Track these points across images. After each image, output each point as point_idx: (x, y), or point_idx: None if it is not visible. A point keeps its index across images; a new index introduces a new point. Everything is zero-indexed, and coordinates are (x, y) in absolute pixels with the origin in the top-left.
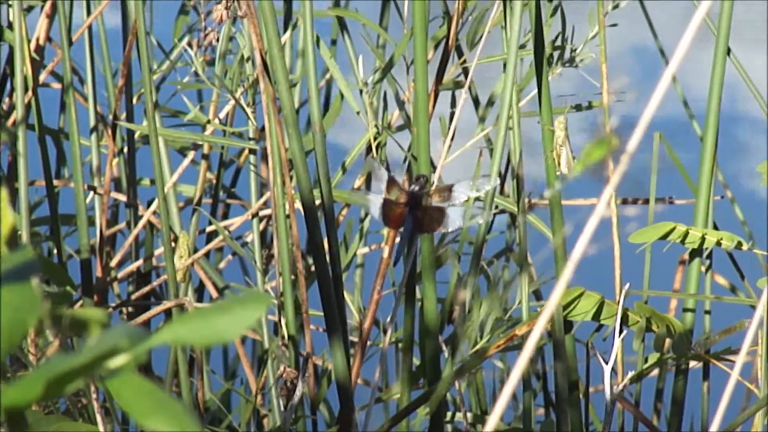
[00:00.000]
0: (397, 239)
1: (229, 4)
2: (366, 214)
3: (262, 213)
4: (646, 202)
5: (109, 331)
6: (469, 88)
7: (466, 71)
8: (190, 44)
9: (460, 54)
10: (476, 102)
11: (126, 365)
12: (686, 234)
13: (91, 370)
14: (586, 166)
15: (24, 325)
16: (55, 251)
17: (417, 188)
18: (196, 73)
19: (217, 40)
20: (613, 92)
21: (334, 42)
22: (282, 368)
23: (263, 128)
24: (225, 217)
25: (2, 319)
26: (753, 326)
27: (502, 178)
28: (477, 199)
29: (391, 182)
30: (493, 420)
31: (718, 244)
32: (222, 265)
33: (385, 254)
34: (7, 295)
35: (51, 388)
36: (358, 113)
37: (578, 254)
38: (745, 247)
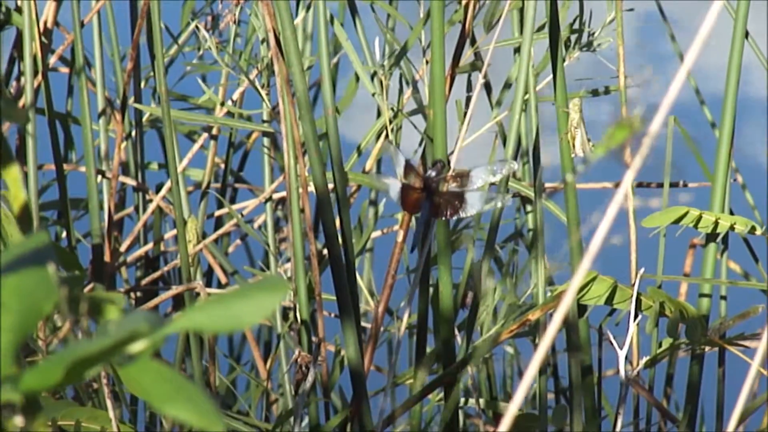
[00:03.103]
0: (413, 224)
1: None
2: (377, 197)
3: (275, 196)
4: (660, 186)
5: (128, 316)
6: (485, 74)
7: (478, 55)
8: (204, 27)
9: (474, 38)
10: (488, 88)
11: (145, 350)
12: (699, 218)
13: (111, 355)
14: (608, 148)
15: (40, 310)
16: (63, 235)
17: (434, 173)
18: (201, 57)
19: (235, 22)
20: (633, 78)
21: (341, 25)
22: (297, 352)
23: (276, 109)
24: (233, 201)
25: (18, 306)
26: None
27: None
28: (491, 183)
29: (408, 167)
30: (513, 406)
31: (732, 228)
32: (230, 249)
33: (400, 238)
34: (23, 280)
35: (71, 372)
36: (373, 95)
37: (599, 242)
38: (759, 231)
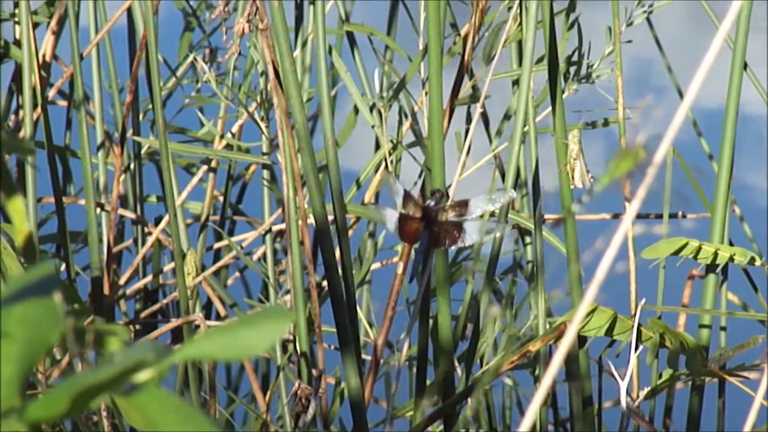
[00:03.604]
0: (412, 255)
1: (250, 17)
2: (375, 229)
3: (274, 228)
4: (659, 217)
5: (134, 345)
6: (483, 105)
7: (477, 87)
8: (202, 59)
9: (472, 71)
10: (486, 120)
11: (151, 380)
12: (699, 249)
13: (116, 384)
14: (612, 178)
15: (46, 341)
16: (62, 268)
17: (433, 203)
18: (198, 90)
19: (239, 54)
20: (631, 108)
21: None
22: (297, 384)
23: (275, 141)
24: (231, 234)
25: (23, 335)
26: None
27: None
28: (491, 214)
29: (407, 197)
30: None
31: (731, 259)
32: (229, 282)
33: (400, 270)
34: (28, 310)
35: (77, 402)
36: (373, 127)
37: (603, 273)
38: (758, 262)
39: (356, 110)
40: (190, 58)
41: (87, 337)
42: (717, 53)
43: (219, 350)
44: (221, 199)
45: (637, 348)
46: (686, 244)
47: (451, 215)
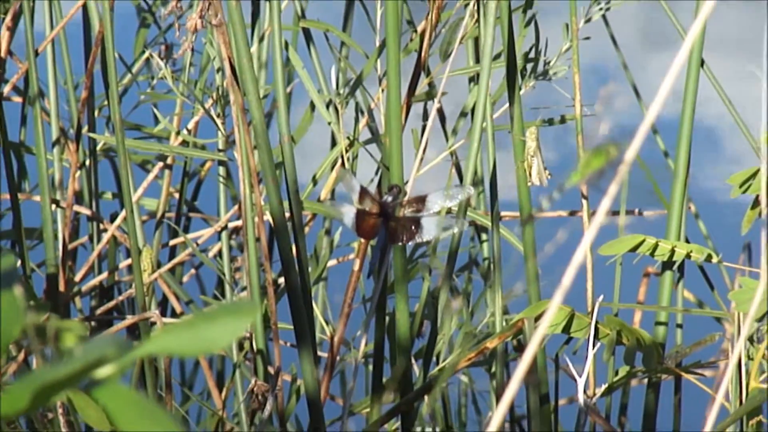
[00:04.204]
0: (369, 252)
1: (203, 13)
2: (331, 226)
3: (230, 225)
4: (615, 214)
5: (94, 341)
6: (440, 102)
7: (434, 84)
8: (158, 56)
9: (428, 68)
10: (442, 117)
11: (113, 375)
12: (656, 246)
13: (77, 380)
14: (584, 175)
15: (8, 334)
16: (18, 265)
17: (390, 199)
18: (153, 87)
19: (192, 50)
20: (588, 105)
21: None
22: (253, 381)
23: (231, 138)
24: (186, 231)
25: None
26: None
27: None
28: (449, 211)
29: (364, 193)
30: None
31: (688, 256)
32: (185, 279)
33: (356, 267)
34: None
35: (38, 398)
36: (329, 123)
37: (575, 266)
38: (715, 259)
39: (312, 107)
40: (146, 55)
41: (48, 333)
42: (682, 65)
43: (181, 346)
44: (177, 195)
45: (594, 345)
46: (643, 241)
47: (408, 211)
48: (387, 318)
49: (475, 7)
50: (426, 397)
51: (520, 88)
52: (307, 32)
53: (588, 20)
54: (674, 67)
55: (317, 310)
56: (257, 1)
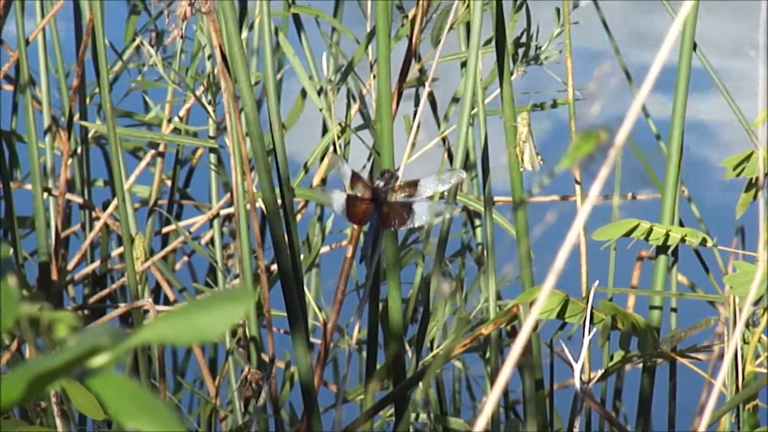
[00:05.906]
0: (361, 238)
1: (192, 0)
2: (323, 213)
3: (222, 213)
4: (609, 197)
5: (88, 330)
6: (431, 88)
7: (425, 70)
8: (148, 43)
9: (419, 54)
10: (434, 103)
11: (107, 364)
12: (650, 231)
13: (72, 369)
14: (574, 159)
15: (2, 324)
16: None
17: (382, 184)
18: (143, 75)
19: (182, 37)
20: (580, 90)
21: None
22: (247, 368)
23: (223, 125)
24: (179, 218)
25: None
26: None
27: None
28: (441, 196)
29: (356, 178)
30: (481, 421)
31: (683, 240)
32: (177, 266)
33: (349, 253)
34: None
35: (33, 387)
36: (321, 110)
37: (568, 247)
38: (710, 243)
39: (304, 94)
40: (137, 42)
41: (42, 322)
42: (669, 47)
43: (176, 334)
44: (169, 183)
45: (589, 330)
46: (637, 226)
47: (400, 196)
48: (380, 304)
49: None
50: (420, 384)
51: (511, 73)
52: (297, 18)
53: (576, 5)
54: (666, 43)
55: (310, 297)
56: None
